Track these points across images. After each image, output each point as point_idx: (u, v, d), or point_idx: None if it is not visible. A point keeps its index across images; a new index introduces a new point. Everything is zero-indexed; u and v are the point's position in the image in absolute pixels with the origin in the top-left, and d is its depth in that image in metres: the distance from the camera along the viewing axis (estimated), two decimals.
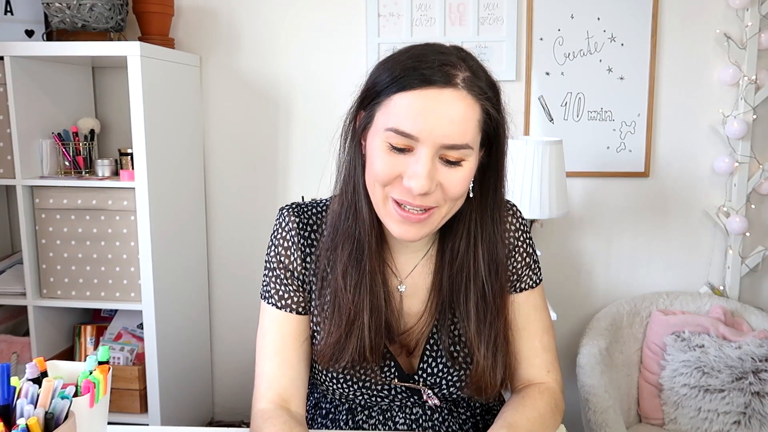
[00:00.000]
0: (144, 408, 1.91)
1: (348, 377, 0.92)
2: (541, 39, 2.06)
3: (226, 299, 2.28)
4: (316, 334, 0.95)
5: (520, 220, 1.00)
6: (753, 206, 2.07)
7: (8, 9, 1.94)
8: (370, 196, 0.85)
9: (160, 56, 1.86)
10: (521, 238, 0.98)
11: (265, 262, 0.98)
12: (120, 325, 2.00)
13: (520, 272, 0.98)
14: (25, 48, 1.79)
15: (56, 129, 1.94)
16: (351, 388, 0.93)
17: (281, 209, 0.97)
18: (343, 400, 0.97)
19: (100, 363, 0.84)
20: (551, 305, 1.90)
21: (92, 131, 1.97)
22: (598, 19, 2.04)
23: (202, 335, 2.23)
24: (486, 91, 0.81)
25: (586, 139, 2.10)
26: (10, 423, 0.72)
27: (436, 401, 0.94)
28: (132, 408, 1.90)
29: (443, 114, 0.76)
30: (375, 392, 0.93)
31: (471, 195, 0.87)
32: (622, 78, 2.06)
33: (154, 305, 1.84)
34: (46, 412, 0.72)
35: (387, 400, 0.95)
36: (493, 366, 0.89)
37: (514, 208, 1.00)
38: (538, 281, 1.01)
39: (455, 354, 0.92)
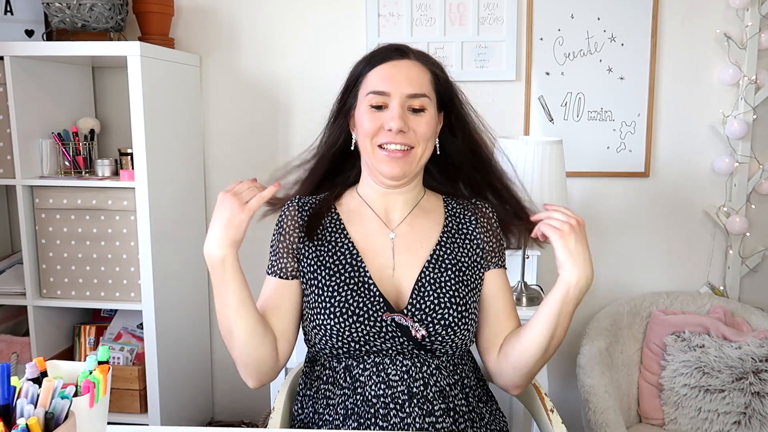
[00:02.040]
0: (144, 408, 1.91)
1: (343, 310, 1.04)
2: (541, 39, 2.06)
3: None
4: (313, 281, 1.09)
5: (494, 213, 1.21)
6: (753, 206, 2.07)
7: (8, 9, 1.94)
8: (362, 153, 1.11)
9: (160, 56, 1.86)
10: (496, 227, 1.19)
11: (270, 243, 1.16)
12: (120, 325, 2.00)
13: (496, 250, 1.17)
14: (25, 48, 1.79)
15: (56, 129, 1.94)
16: (345, 323, 1.04)
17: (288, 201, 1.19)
18: (339, 347, 1.05)
19: (100, 363, 0.84)
20: None
21: (92, 131, 1.97)
22: (598, 19, 2.04)
23: (202, 335, 2.23)
24: (432, 62, 1.13)
25: (586, 139, 2.10)
26: (10, 423, 0.72)
27: (423, 332, 1.04)
28: (132, 408, 1.90)
29: (403, 74, 1.07)
30: (368, 327, 1.04)
31: (438, 152, 1.14)
32: (622, 78, 2.06)
33: (154, 305, 1.84)
34: (46, 412, 0.72)
35: (378, 341, 1.04)
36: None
37: (490, 206, 1.22)
38: (504, 264, 1.20)
39: (446, 289, 1.08)
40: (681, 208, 2.13)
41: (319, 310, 1.06)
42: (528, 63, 2.08)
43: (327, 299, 1.05)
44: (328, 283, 1.07)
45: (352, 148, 1.15)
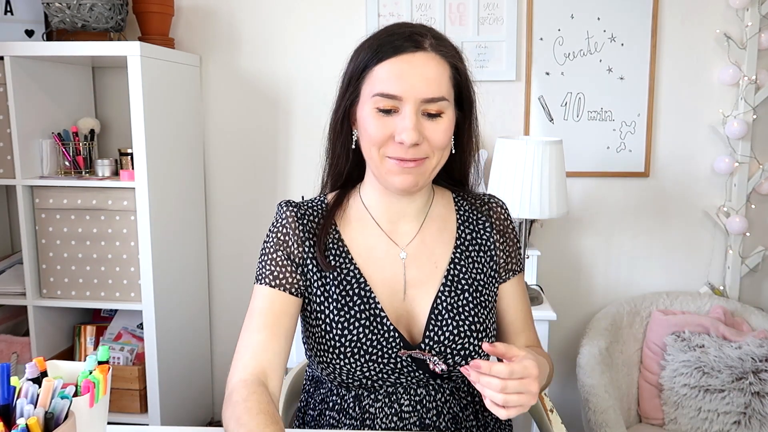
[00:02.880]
0: (144, 408, 1.91)
1: (355, 350, 0.94)
2: (541, 39, 2.06)
3: (226, 299, 2.28)
4: (320, 314, 0.98)
5: (507, 210, 1.11)
6: (753, 206, 2.07)
7: (8, 9, 1.94)
8: (366, 159, 0.97)
9: (160, 56, 1.86)
10: (510, 227, 1.09)
11: (262, 249, 1.02)
12: (120, 325, 2.00)
13: (511, 255, 1.08)
14: (25, 48, 1.79)
15: (56, 129, 1.94)
16: (358, 362, 0.94)
17: (279, 203, 1.04)
18: (349, 382, 0.97)
19: (100, 363, 0.84)
20: (551, 305, 1.90)
21: (92, 131, 1.97)
22: (598, 19, 2.04)
23: (202, 335, 2.23)
24: (451, 51, 0.94)
25: (586, 139, 2.10)
26: (10, 423, 0.72)
27: (443, 366, 0.95)
28: (132, 408, 1.90)
29: (419, 73, 0.89)
30: (381, 365, 0.95)
31: (453, 151, 0.99)
32: (622, 78, 2.06)
33: (154, 305, 1.84)
34: (46, 412, 0.72)
35: (393, 377, 0.96)
36: None
37: (502, 201, 1.11)
38: (520, 267, 1.11)
39: (465, 316, 0.98)
40: (681, 208, 2.13)
41: (327, 348, 0.96)
42: (528, 63, 2.08)
43: (337, 338, 0.95)
44: (337, 318, 0.96)
45: (353, 146, 1.00)
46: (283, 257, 0.99)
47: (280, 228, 1.01)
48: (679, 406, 1.84)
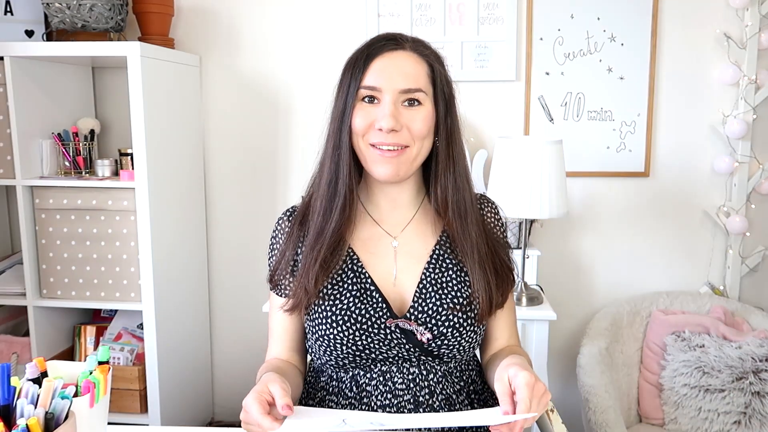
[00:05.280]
0: (144, 408, 1.91)
1: (346, 318, 1.01)
2: (541, 39, 2.06)
3: (226, 299, 2.28)
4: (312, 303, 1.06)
5: (498, 211, 1.16)
6: (753, 206, 2.07)
7: (8, 9, 1.94)
8: (356, 152, 1.03)
9: (160, 56, 1.86)
10: (499, 225, 1.15)
11: (268, 258, 1.14)
12: (120, 325, 2.00)
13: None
14: (25, 48, 1.79)
15: (56, 129, 1.94)
16: (348, 330, 1.01)
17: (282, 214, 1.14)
18: (345, 357, 1.02)
19: (100, 363, 0.84)
20: (551, 305, 1.90)
21: (92, 131, 1.97)
22: (598, 19, 2.04)
23: (202, 335, 2.23)
24: (428, 51, 1.04)
25: (586, 139, 2.10)
26: (10, 423, 0.72)
27: (428, 335, 1.01)
28: (132, 408, 1.90)
29: (397, 67, 0.99)
30: (372, 335, 1.01)
31: (437, 144, 1.04)
32: (622, 78, 2.06)
33: (154, 305, 1.84)
34: (47, 412, 0.72)
35: (384, 349, 1.01)
36: (496, 288, 1.05)
37: (494, 202, 1.16)
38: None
39: (449, 290, 1.04)
40: (681, 208, 2.13)
41: (321, 320, 1.03)
42: (528, 63, 2.08)
43: (328, 308, 1.02)
44: (330, 291, 1.03)
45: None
46: (281, 263, 1.08)
47: (277, 235, 1.11)
48: (679, 406, 1.84)
